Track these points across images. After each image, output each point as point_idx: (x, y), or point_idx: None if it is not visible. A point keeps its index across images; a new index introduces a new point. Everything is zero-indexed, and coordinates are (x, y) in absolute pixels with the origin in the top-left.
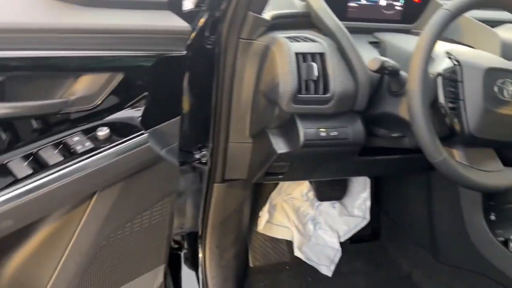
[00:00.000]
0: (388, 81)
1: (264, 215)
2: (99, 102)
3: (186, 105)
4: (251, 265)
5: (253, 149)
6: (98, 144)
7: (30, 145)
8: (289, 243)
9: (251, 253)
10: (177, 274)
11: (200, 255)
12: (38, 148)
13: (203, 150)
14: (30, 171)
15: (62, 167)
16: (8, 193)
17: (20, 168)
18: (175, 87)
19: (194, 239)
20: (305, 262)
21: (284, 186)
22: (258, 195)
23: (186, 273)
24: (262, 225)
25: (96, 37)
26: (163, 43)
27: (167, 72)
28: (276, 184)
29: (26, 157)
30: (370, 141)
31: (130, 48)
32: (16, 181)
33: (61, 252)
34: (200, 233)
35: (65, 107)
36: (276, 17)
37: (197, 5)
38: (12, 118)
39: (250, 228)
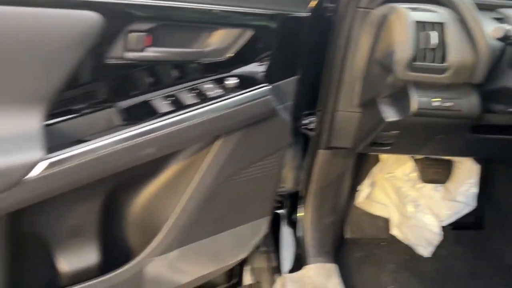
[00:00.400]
0: (510, 54)
1: (363, 189)
2: (229, 55)
3: (300, 69)
4: (346, 236)
5: (360, 118)
6: (226, 92)
7: (170, 88)
8: (386, 221)
9: (348, 224)
10: (277, 235)
11: (301, 215)
12: (176, 91)
13: (310, 116)
14: (169, 108)
15: (195, 108)
16: (152, 124)
17: (162, 105)
18: (295, 47)
19: (294, 200)
20: (401, 241)
21: (387, 164)
22: (360, 169)
23: (285, 231)
24: (360, 199)
25: None
26: (288, 4)
27: (289, 32)
28: (378, 161)
29: (166, 97)
30: (485, 118)
31: (258, 6)
32: (159, 115)
33: (184, 188)
34: (301, 194)
35: (201, 57)
36: None
37: None
38: (158, 61)
39: (348, 200)
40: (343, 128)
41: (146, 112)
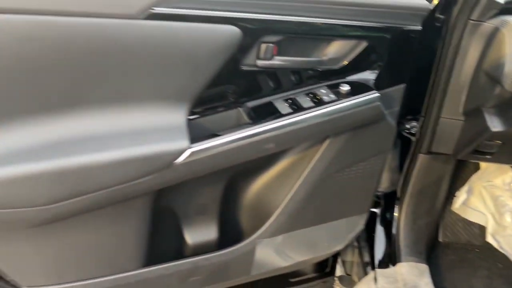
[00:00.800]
0: None
1: (461, 195)
2: (344, 64)
3: (409, 73)
4: (440, 239)
5: (463, 126)
6: (339, 97)
7: (290, 91)
8: (482, 228)
9: (442, 228)
10: (371, 232)
11: (396, 215)
12: (295, 94)
13: (413, 121)
14: (289, 110)
15: (311, 110)
16: (273, 123)
17: (283, 107)
18: (404, 58)
19: (390, 200)
20: (496, 249)
21: (486, 172)
22: (458, 175)
23: (379, 232)
24: (457, 205)
25: (348, 9)
26: (403, 18)
27: (401, 44)
28: (478, 168)
29: (286, 100)
30: None
31: (374, 20)
32: (279, 115)
33: (295, 179)
34: (398, 195)
35: (319, 65)
36: (509, 2)
37: None
38: (283, 68)
39: (444, 204)
40: (445, 135)
41: (269, 112)
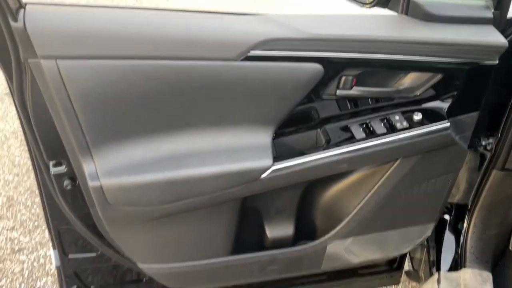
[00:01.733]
0: None
1: None
2: (418, 93)
3: (485, 99)
4: (510, 248)
5: None
6: (412, 124)
7: (365, 116)
8: None
9: None
10: (440, 235)
11: (465, 225)
12: (370, 120)
13: (490, 138)
14: (363, 135)
15: (385, 136)
16: (348, 146)
17: (358, 131)
18: (480, 88)
19: (461, 210)
20: None
21: None
22: None
23: (448, 237)
24: None
25: (426, 47)
26: (480, 54)
27: (477, 77)
28: None
29: (361, 125)
30: None
31: (451, 56)
32: (354, 139)
33: (365, 191)
34: (469, 207)
35: (394, 94)
36: None
37: None
38: (360, 97)
39: None
40: None
41: (345, 135)
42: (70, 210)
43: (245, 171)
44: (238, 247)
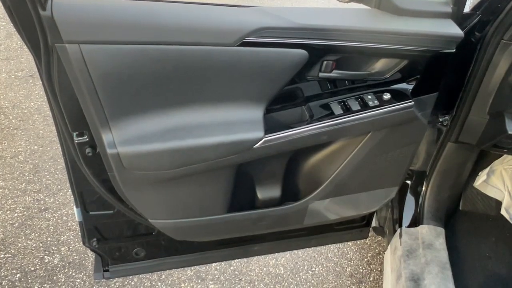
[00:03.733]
0: None
1: (483, 175)
2: (387, 76)
3: (443, 82)
4: (460, 208)
5: (487, 124)
6: (382, 103)
7: (343, 95)
8: (497, 202)
9: (463, 199)
10: (403, 197)
11: (423, 188)
12: (347, 98)
13: (446, 115)
14: (341, 112)
15: (359, 113)
16: (328, 121)
17: (336, 108)
18: (439, 72)
19: (420, 176)
20: (507, 220)
21: (508, 157)
22: (482, 159)
23: (409, 198)
24: (478, 182)
25: (395, 37)
26: (440, 43)
27: (437, 63)
28: (500, 155)
29: (340, 103)
30: None
31: (415, 45)
32: (333, 115)
33: (342, 159)
34: (427, 173)
35: (367, 77)
36: None
37: (473, 9)
38: (339, 79)
39: (467, 181)
40: (471, 129)
41: (326, 112)
42: (91, 174)
43: (240, 142)
44: (233, 206)
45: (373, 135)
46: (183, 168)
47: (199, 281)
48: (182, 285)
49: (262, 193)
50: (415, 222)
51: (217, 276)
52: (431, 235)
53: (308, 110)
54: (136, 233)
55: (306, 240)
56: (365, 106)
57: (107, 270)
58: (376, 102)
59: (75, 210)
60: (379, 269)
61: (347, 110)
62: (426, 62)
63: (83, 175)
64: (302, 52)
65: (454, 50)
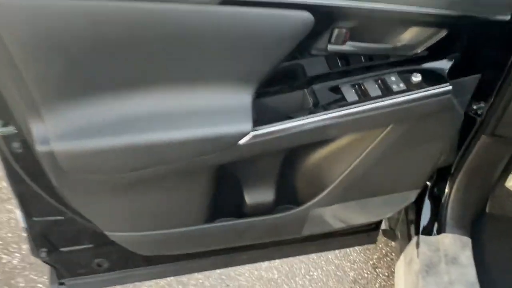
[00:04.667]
0: None
1: None
2: (418, 52)
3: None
4: (487, 210)
5: None
6: (410, 87)
7: (358, 76)
8: None
9: (491, 200)
10: (420, 199)
11: (447, 189)
12: (364, 80)
13: (481, 102)
14: (355, 97)
15: (379, 100)
16: (338, 110)
17: (349, 93)
18: (485, 48)
19: (443, 174)
20: None
21: None
22: None
23: (428, 200)
24: (511, 182)
25: None
26: (491, 9)
27: (484, 34)
28: None
29: (354, 85)
30: None
31: (458, 9)
32: (344, 102)
33: (353, 157)
34: (452, 171)
35: (392, 52)
36: None
37: None
38: (354, 54)
39: (498, 180)
40: (511, 120)
41: (335, 97)
42: (25, 173)
43: (219, 137)
44: (214, 215)
45: (394, 128)
46: (145, 171)
47: (180, 286)
48: None
49: (250, 199)
50: (436, 229)
51: (200, 281)
52: (455, 246)
53: (312, 95)
54: (97, 241)
55: (303, 247)
56: (387, 91)
57: (63, 284)
58: (402, 86)
59: (17, 213)
60: (386, 273)
61: (364, 96)
62: (470, 32)
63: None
64: (306, 15)
65: (509, 17)
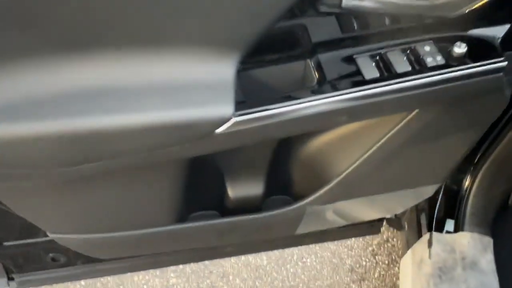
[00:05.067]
0: None
1: None
2: (465, 11)
3: None
4: (510, 202)
5: None
6: (450, 62)
7: (380, 44)
8: None
9: None
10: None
11: (467, 182)
12: (388, 49)
13: None
14: (377, 74)
15: (406, 79)
16: (351, 91)
17: (367, 67)
18: None
19: (464, 164)
20: None
21: None
22: None
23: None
24: None
25: None
26: None
27: None
28: None
29: (373, 57)
30: None
31: None
32: (362, 79)
33: (366, 146)
34: (476, 161)
35: (428, 11)
36: None
37: None
38: (376, 12)
39: None
40: None
41: (348, 72)
42: None
43: (189, 123)
44: (187, 213)
45: (420, 114)
46: (83, 166)
47: (158, 273)
48: (136, 278)
49: (235, 192)
50: (453, 226)
51: (181, 267)
52: (475, 248)
53: (317, 67)
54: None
55: (297, 238)
56: (419, 66)
57: (13, 279)
58: (440, 59)
59: None
60: (386, 261)
61: (387, 72)
62: None
63: None
64: None
65: None
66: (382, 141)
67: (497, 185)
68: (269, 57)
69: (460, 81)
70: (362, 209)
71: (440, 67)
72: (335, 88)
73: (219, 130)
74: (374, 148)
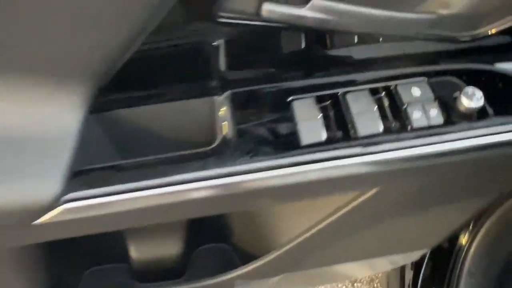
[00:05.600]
0: None
1: None
2: (488, 33)
3: None
4: None
5: None
6: (454, 119)
7: (335, 77)
8: None
9: None
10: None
11: (466, 236)
12: (347, 89)
13: None
14: (322, 137)
15: (372, 148)
16: (275, 167)
17: (311, 122)
18: None
19: None
20: None
21: None
22: None
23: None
24: None
25: None
26: None
27: None
28: None
29: (321, 100)
30: None
31: None
32: (298, 147)
33: (322, 213)
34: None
35: (423, 28)
36: None
37: None
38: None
39: None
40: None
41: (275, 129)
42: None
43: None
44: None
45: (384, 192)
46: None
47: None
48: None
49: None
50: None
51: None
52: None
53: (228, 111)
54: None
55: None
56: (398, 124)
57: None
58: (436, 115)
59: None
60: None
61: (343, 133)
62: None
63: None
64: None
65: None
66: (343, 211)
67: (503, 242)
68: (151, 93)
69: (470, 154)
70: (324, 277)
71: (436, 133)
72: (249, 153)
73: (38, 221)
74: (336, 216)
